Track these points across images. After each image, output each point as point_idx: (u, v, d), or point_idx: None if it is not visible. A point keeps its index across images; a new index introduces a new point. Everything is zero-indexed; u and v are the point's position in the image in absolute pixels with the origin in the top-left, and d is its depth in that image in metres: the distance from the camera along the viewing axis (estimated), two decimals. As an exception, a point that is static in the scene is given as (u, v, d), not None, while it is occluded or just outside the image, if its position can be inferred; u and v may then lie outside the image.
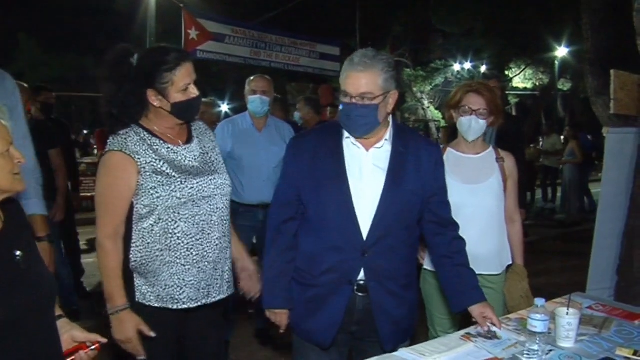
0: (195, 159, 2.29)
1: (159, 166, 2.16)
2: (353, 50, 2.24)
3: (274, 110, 4.54)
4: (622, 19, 4.12)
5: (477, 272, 2.36)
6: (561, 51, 19.26)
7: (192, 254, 2.21)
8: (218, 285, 2.31)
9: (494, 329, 2.19)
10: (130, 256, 2.18)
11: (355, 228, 2.15)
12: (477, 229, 2.71)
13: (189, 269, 2.20)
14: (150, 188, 2.14)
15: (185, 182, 2.19)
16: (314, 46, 11.27)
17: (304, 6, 15.27)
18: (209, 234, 2.25)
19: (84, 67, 18.19)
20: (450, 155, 2.91)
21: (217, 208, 2.29)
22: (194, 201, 2.20)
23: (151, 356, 2.19)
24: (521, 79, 21.52)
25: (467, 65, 21.10)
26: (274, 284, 2.30)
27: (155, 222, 2.16)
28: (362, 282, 2.20)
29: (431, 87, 21.99)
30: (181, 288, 2.20)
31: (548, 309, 2.03)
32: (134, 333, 2.13)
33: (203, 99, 2.42)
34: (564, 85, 22.91)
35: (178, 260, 2.19)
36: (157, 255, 2.17)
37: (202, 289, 2.25)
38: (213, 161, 2.37)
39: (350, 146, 2.22)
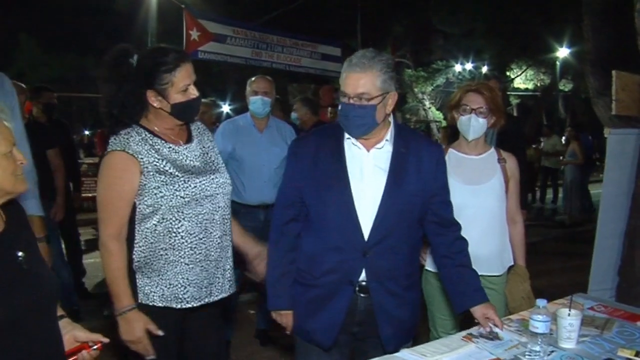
0: (196, 159, 2.29)
1: (162, 166, 2.16)
2: (354, 50, 2.24)
3: (274, 110, 4.54)
4: (623, 20, 4.11)
5: (478, 273, 2.36)
6: (562, 52, 19.27)
7: (195, 252, 2.21)
8: (220, 284, 2.32)
9: (495, 329, 2.19)
10: (133, 256, 2.18)
11: (356, 228, 2.15)
12: (478, 230, 2.71)
13: (192, 267, 2.21)
14: (154, 188, 2.14)
15: (188, 181, 2.19)
16: (315, 47, 11.26)
17: (305, 7, 15.28)
18: (211, 232, 2.26)
19: (84, 67, 18.20)
20: (452, 156, 2.91)
21: (218, 207, 2.30)
22: (197, 200, 2.20)
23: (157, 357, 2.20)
24: (522, 79, 21.55)
25: (468, 65, 21.11)
26: (278, 285, 2.31)
27: (158, 222, 2.16)
28: (363, 283, 2.20)
29: (432, 87, 22.00)
30: (185, 287, 2.20)
31: (549, 309, 2.03)
32: (143, 332, 2.13)
33: (202, 100, 2.42)
34: (565, 85, 22.93)
35: (182, 260, 2.19)
36: (161, 255, 2.18)
37: (205, 287, 2.26)
38: (213, 160, 2.38)
39: (351, 147, 2.22)
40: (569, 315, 2.05)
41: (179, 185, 2.17)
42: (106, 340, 1.76)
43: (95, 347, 1.74)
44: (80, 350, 1.72)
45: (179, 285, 2.20)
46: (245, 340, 4.46)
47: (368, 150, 2.21)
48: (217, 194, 2.29)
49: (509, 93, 21.28)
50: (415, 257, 2.37)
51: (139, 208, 2.16)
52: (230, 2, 16.35)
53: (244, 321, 4.80)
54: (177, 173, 2.18)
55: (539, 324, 1.95)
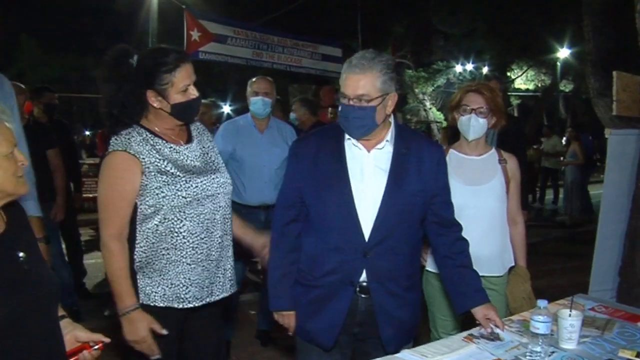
0: (196, 159, 2.30)
1: (163, 166, 2.16)
2: (355, 51, 2.24)
3: (274, 111, 4.54)
4: (623, 20, 4.12)
5: (479, 274, 2.36)
6: (563, 52, 19.26)
7: (197, 252, 2.21)
8: (221, 283, 2.32)
9: (496, 330, 2.19)
10: (134, 257, 2.18)
11: (356, 229, 2.15)
12: (479, 231, 2.71)
13: (194, 267, 2.21)
14: (156, 188, 2.14)
15: (189, 181, 2.19)
16: (316, 47, 11.26)
17: (306, 7, 15.28)
18: (212, 232, 2.26)
19: (84, 67, 18.20)
20: (453, 157, 2.91)
21: (219, 206, 2.30)
22: (198, 200, 2.20)
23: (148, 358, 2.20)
24: (523, 80, 21.54)
25: (469, 66, 21.10)
26: (280, 286, 2.31)
27: (160, 222, 2.16)
28: (364, 284, 2.20)
29: (433, 88, 21.99)
30: (187, 287, 2.20)
31: (550, 310, 2.03)
32: (147, 332, 2.13)
33: (202, 101, 2.42)
34: (566, 86, 22.91)
35: (184, 259, 2.19)
36: (162, 254, 2.18)
37: (206, 287, 2.26)
38: (213, 160, 2.38)
39: (352, 148, 2.22)
40: (569, 316, 2.05)
41: (181, 185, 2.17)
42: (107, 340, 1.77)
43: (96, 347, 1.74)
44: (82, 350, 1.73)
45: (181, 285, 2.20)
46: (246, 341, 4.46)
47: (368, 151, 2.21)
48: (218, 194, 2.30)
49: (509, 93, 21.29)
50: (416, 258, 2.37)
51: (140, 208, 2.16)
52: (231, 2, 16.35)
53: (245, 321, 4.80)
54: (178, 173, 2.18)
55: (539, 324, 1.95)
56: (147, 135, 2.19)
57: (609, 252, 3.80)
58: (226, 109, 19.89)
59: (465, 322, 2.66)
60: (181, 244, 2.18)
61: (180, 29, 9.31)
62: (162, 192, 2.14)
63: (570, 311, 2.06)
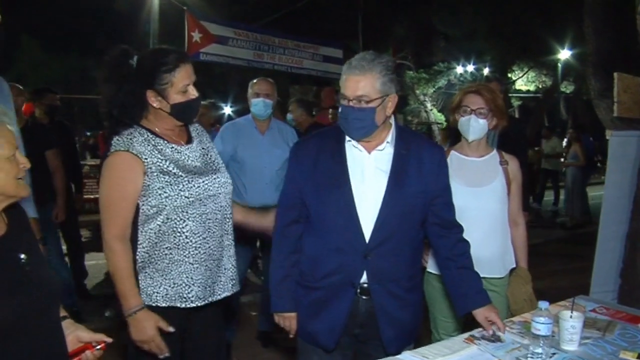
0: (197, 159, 2.30)
1: (165, 166, 2.16)
2: (356, 52, 2.25)
3: (275, 112, 4.54)
4: (624, 22, 4.11)
5: (480, 275, 2.36)
6: (564, 53, 19.28)
7: (199, 252, 2.22)
8: (223, 283, 2.32)
9: (498, 333, 2.19)
10: (136, 257, 2.18)
11: (357, 230, 2.15)
12: (480, 232, 2.70)
13: (197, 267, 2.21)
14: (158, 188, 2.14)
15: (192, 181, 2.20)
16: (317, 48, 11.28)
17: (307, 9, 15.30)
18: (214, 232, 2.27)
19: (85, 68, 18.23)
20: (454, 158, 2.91)
21: (221, 206, 2.31)
22: (201, 200, 2.21)
23: (155, 357, 2.19)
24: (524, 81, 21.54)
25: (470, 67, 21.11)
26: (281, 287, 2.31)
27: (163, 222, 2.16)
28: (364, 285, 2.20)
29: (434, 89, 22.00)
30: (189, 287, 2.20)
31: (552, 312, 2.03)
32: (155, 331, 2.13)
33: (201, 101, 2.43)
34: (567, 87, 22.91)
35: (186, 259, 2.19)
36: (165, 254, 2.18)
37: (208, 286, 2.26)
38: (214, 160, 2.39)
39: (352, 149, 2.22)
40: (571, 317, 2.05)
41: (183, 186, 2.17)
42: (109, 340, 1.77)
43: (98, 347, 1.75)
44: (84, 350, 1.73)
45: (184, 285, 2.20)
46: (246, 342, 4.46)
47: (369, 153, 2.21)
48: (219, 194, 2.30)
49: (510, 95, 21.28)
50: (417, 259, 2.37)
51: (142, 209, 2.16)
52: (232, 3, 16.37)
53: (246, 323, 4.80)
54: (180, 173, 2.19)
55: (541, 326, 1.95)
56: (148, 135, 2.19)
57: (610, 253, 3.80)
58: (227, 110, 19.91)
59: (466, 323, 2.66)
60: (184, 244, 2.18)
61: (181, 30, 9.33)
62: (164, 192, 2.14)
63: (572, 312, 2.06)
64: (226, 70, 17.86)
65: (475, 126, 2.81)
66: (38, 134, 4.58)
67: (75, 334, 1.75)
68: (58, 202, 4.78)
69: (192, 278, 2.21)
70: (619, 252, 3.77)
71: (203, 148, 2.37)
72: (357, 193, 2.16)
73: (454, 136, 3.43)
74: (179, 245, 2.18)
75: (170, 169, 2.17)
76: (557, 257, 7.75)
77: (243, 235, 3.80)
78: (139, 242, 2.18)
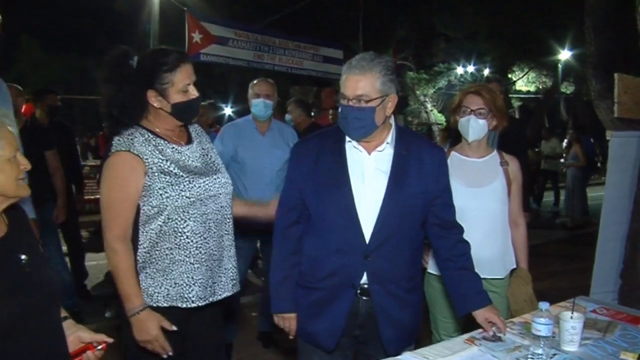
0: (197, 159, 2.30)
1: (166, 166, 2.16)
2: (356, 53, 2.25)
3: (275, 113, 4.54)
4: (625, 22, 4.11)
5: (480, 276, 2.35)
6: (564, 54, 19.28)
7: (200, 252, 2.22)
8: (223, 283, 2.32)
9: (499, 333, 2.19)
10: (137, 258, 2.18)
11: (357, 231, 2.15)
12: (480, 233, 2.70)
13: (197, 267, 2.21)
14: (159, 188, 2.14)
15: (193, 181, 2.20)
16: (317, 49, 11.28)
17: (307, 9, 15.30)
18: (214, 232, 2.27)
19: (85, 69, 18.24)
20: (454, 159, 2.91)
21: (221, 206, 2.31)
22: (201, 200, 2.21)
23: (157, 357, 2.20)
24: (524, 82, 21.54)
25: (470, 68, 21.11)
26: (281, 288, 2.31)
27: (164, 222, 2.16)
28: (365, 286, 2.20)
29: (434, 90, 22.01)
30: (190, 287, 2.20)
31: (552, 312, 2.03)
32: (158, 330, 2.13)
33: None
34: (567, 88, 22.92)
35: (187, 259, 2.19)
36: (166, 254, 2.18)
37: (209, 286, 2.26)
38: (214, 161, 2.39)
39: (353, 150, 2.22)
40: (571, 318, 2.05)
41: (184, 186, 2.17)
42: (110, 340, 1.78)
43: (99, 347, 1.76)
44: (85, 350, 1.74)
45: (185, 285, 2.20)
46: (247, 342, 4.46)
47: (369, 153, 2.21)
48: (220, 194, 2.31)
49: (510, 95, 21.29)
50: (417, 260, 2.36)
51: (143, 209, 2.16)
52: (232, 4, 16.37)
53: (246, 323, 4.80)
54: (181, 173, 2.19)
55: (541, 326, 1.95)
56: (149, 135, 2.19)
57: (611, 254, 3.80)
58: (227, 110, 19.91)
59: (466, 324, 2.66)
60: (185, 244, 2.18)
61: (182, 30, 9.33)
62: (165, 192, 2.15)
63: (572, 313, 2.06)
64: (226, 71, 17.89)
65: (474, 126, 2.81)
66: (37, 135, 4.58)
67: (76, 334, 1.76)
68: (58, 203, 4.78)
69: (192, 278, 2.21)
70: (620, 252, 3.77)
71: (203, 148, 2.37)
72: (357, 194, 2.16)
73: (454, 137, 3.43)
74: (179, 245, 2.18)
75: (171, 169, 2.17)
76: (557, 257, 7.76)
77: (246, 229, 3.82)
78: (139, 243, 2.18)
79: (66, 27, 18.90)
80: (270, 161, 4.05)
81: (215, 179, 2.30)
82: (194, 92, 2.23)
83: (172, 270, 2.19)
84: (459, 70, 21.33)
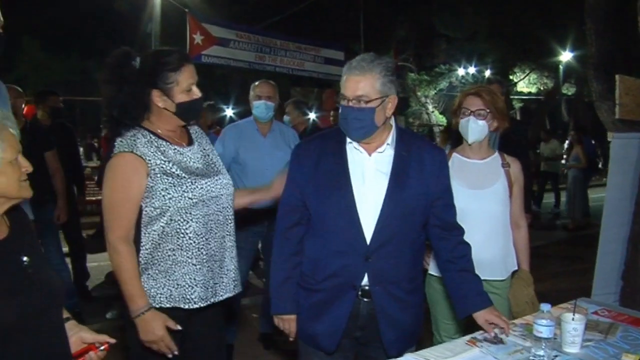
0: (198, 161, 2.31)
1: (168, 167, 2.17)
2: (357, 54, 2.26)
3: (277, 114, 4.55)
4: (626, 24, 4.11)
5: (481, 278, 2.35)
6: (565, 55, 19.25)
7: (202, 253, 2.22)
8: (224, 284, 2.33)
9: (500, 335, 2.19)
10: (140, 259, 2.18)
11: (358, 232, 2.15)
12: (481, 234, 2.70)
13: (199, 268, 2.22)
14: (162, 190, 2.14)
15: (195, 182, 2.21)
16: (319, 51, 11.29)
17: (309, 11, 15.31)
18: (215, 233, 2.27)
19: (87, 70, 18.26)
20: (456, 160, 2.91)
21: (223, 207, 2.32)
22: (204, 201, 2.22)
23: (160, 357, 2.20)
24: (525, 83, 21.53)
25: (472, 69, 21.09)
26: (282, 290, 2.31)
27: (167, 223, 2.17)
28: (366, 287, 2.20)
29: (435, 91, 21.98)
30: (192, 288, 2.21)
31: (553, 314, 2.03)
32: (164, 331, 2.13)
33: None
34: (569, 89, 22.89)
35: (189, 260, 2.20)
36: (168, 255, 2.18)
37: (210, 287, 2.26)
38: (215, 162, 2.40)
39: (353, 151, 2.22)
40: (573, 319, 2.05)
41: (187, 187, 2.18)
42: (113, 340, 1.78)
43: (102, 347, 1.76)
44: (88, 351, 1.74)
45: (187, 286, 2.20)
46: (248, 344, 4.46)
47: (369, 154, 2.21)
48: (222, 195, 2.31)
49: (511, 97, 21.28)
50: (418, 261, 2.36)
51: (146, 211, 2.17)
52: (233, 5, 16.38)
53: (247, 325, 4.80)
54: (183, 174, 2.19)
55: (543, 328, 1.95)
56: (151, 137, 2.20)
57: (612, 255, 3.80)
58: (229, 112, 19.90)
59: (467, 325, 2.66)
60: (187, 245, 2.19)
61: (183, 32, 9.34)
62: (168, 193, 2.15)
63: (574, 315, 2.06)
64: (227, 72, 17.87)
65: (474, 127, 2.81)
66: (37, 136, 4.59)
67: (78, 335, 1.76)
68: (59, 204, 4.79)
69: (194, 279, 2.21)
70: (621, 254, 3.76)
71: (204, 150, 2.38)
72: (357, 195, 2.16)
73: (454, 138, 3.43)
74: (182, 246, 2.18)
75: (174, 170, 2.17)
76: (558, 259, 7.76)
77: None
78: (141, 244, 2.18)
79: (67, 28, 18.90)
80: (272, 162, 4.05)
81: (216, 180, 2.31)
82: (197, 92, 2.24)
83: (175, 272, 2.19)
84: (460, 71, 21.30)
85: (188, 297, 2.20)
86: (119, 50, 2.23)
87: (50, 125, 5.30)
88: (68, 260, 5.39)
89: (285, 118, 5.98)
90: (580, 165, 10.18)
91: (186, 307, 2.21)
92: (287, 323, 2.34)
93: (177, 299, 2.20)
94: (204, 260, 2.23)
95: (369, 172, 2.20)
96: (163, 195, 2.14)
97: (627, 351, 2.04)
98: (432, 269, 2.89)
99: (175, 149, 2.23)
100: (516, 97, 22.70)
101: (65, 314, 1.76)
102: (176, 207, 2.15)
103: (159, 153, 2.17)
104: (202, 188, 2.22)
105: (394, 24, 19.77)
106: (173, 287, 2.19)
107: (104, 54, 2.31)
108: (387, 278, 2.19)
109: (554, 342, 2.02)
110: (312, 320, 2.27)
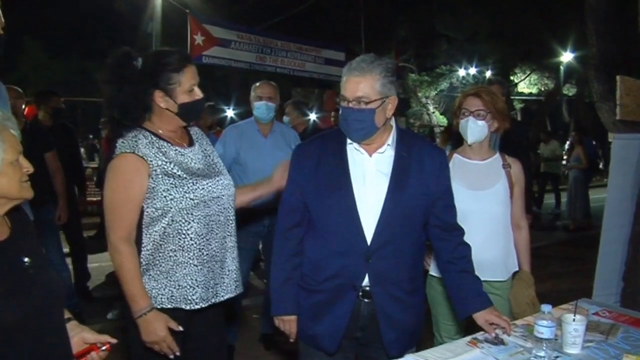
0: (199, 161, 2.31)
1: (170, 168, 2.17)
2: (358, 55, 2.26)
3: (277, 115, 4.55)
4: (627, 25, 4.11)
5: (482, 278, 2.35)
6: (566, 56, 19.27)
7: (203, 253, 2.22)
8: (225, 284, 2.33)
9: (501, 336, 2.19)
10: (141, 260, 2.18)
11: (359, 233, 2.15)
12: (482, 235, 2.70)
13: (200, 269, 2.22)
14: (163, 190, 2.14)
15: (196, 183, 2.21)
16: (319, 51, 11.31)
17: (309, 11, 15.32)
18: (217, 233, 2.27)
19: (87, 70, 18.25)
20: (457, 161, 2.91)
21: (224, 208, 2.32)
22: (205, 202, 2.22)
23: (162, 358, 2.20)
24: (526, 84, 21.55)
25: (472, 70, 21.10)
26: (282, 290, 2.31)
27: (168, 224, 2.17)
28: (366, 288, 2.19)
29: (436, 92, 22.01)
30: (194, 288, 2.21)
31: (554, 315, 2.03)
32: (166, 331, 2.13)
33: None
34: (569, 90, 22.90)
35: (191, 261, 2.20)
36: (169, 256, 2.18)
37: (211, 288, 2.26)
38: (216, 163, 2.40)
39: (354, 152, 2.22)
40: (573, 320, 2.05)
41: (188, 188, 2.18)
42: (114, 341, 1.78)
43: (103, 348, 1.76)
44: (89, 351, 1.75)
45: (188, 287, 2.20)
46: (249, 345, 4.46)
47: (370, 155, 2.21)
48: (223, 196, 2.31)
49: (512, 97, 21.29)
50: (419, 262, 2.36)
51: (147, 212, 2.17)
52: (234, 7, 16.39)
53: (248, 325, 4.80)
54: (185, 175, 2.19)
55: (544, 329, 1.95)
56: (152, 138, 2.20)
57: (613, 256, 3.79)
58: (229, 112, 19.91)
59: (468, 326, 2.66)
60: (188, 246, 2.19)
61: (184, 33, 9.35)
62: (170, 194, 2.15)
63: (574, 316, 2.06)
64: (228, 73, 17.88)
65: (473, 127, 2.81)
66: (37, 136, 4.59)
67: (80, 335, 1.76)
68: (59, 204, 4.80)
69: (196, 280, 2.21)
70: (622, 255, 3.76)
71: (204, 151, 2.38)
72: (358, 196, 2.16)
73: (455, 139, 3.43)
74: (183, 247, 2.18)
75: (175, 171, 2.18)
76: (558, 259, 7.76)
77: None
78: (143, 245, 2.18)
79: (68, 29, 18.89)
80: (273, 163, 4.00)
81: (217, 180, 2.31)
82: (199, 93, 2.25)
83: (176, 272, 2.19)
84: (461, 72, 21.32)
85: (189, 297, 2.20)
86: (119, 50, 2.23)
87: (51, 126, 5.31)
88: (69, 260, 5.41)
89: (285, 119, 5.98)
90: (581, 166, 10.18)
91: (187, 307, 2.21)
92: (288, 324, 2.33)
93: (179, 299, 2.20)
94: (205, 261, 2.23)
95: (370, 173, 2.20)
96: (164, 196, 2.15)
97: (628, 352, 2.03)
98: (433, 270, 2.89)
99: (176, 149, 2.24)
100: (517, 97, 22.72)
101: (67, 315, 1.77)
102: (177, 207, 2.16)
103: (161, 154, 2.17)
104: (203, 189, 2.22)
105: (395, 24, 19.78)
106: (174, 287, 2.19)
107: (104, 54, 2.30)
108: (387, 279, 2.19)
109: (555, 343, 2.02)
110: (312, 321, 2.27)
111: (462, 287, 2.29)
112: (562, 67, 20.19)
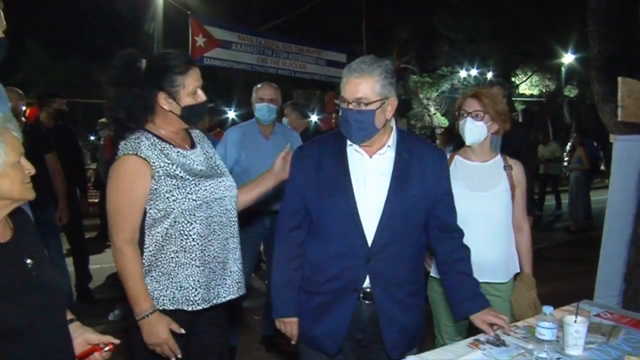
0: (201, 163, 2.32)
1: (172, 170, 2.17)
2: (359, 56, 2.26)
3: (279, 117, 4.54)
4: (628, 26, 4.11)
5: (483, 280, 2.36)
6: (567, 58, 19.27)
7: (205, 254, 2.22)
8: (227, 285, 2.32)
9: (503, 337, 2.19)
10: (143, 261, 2.18)
11: (360, 235, 2.16)
12: (483, 237, 2.70)
13: (202, 270, 2.21)
14: (166, 192, 2.15)
15: (199, 184, 2.21)
16: (321, 53, 11.32)
17: (311, 13, 15.32)
18: (219, 234, 2.27)
19: (88, 72, 18.27)
20: (458, 163, 2.91)
21: (226, 209, 2.31)
22: (207, 203, 2.22)
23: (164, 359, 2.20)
24: (527, 85, 21.54)
25: (474, 71, 21.10)
26: (283, 293, 2.31)
27: (170, 225, 2.17)
28: (367, 290, 2.20)
29: (437, 93, 22.02)
30: (195, 289, 2.21)
31: (556, 316, 2.02)
32: (168, 333, 2.13)
33: None
34: (571, 91, 22.89)
35: (193, 262, 2.20)
36: (171, 257, 2.18)
37: (212, 289, 2.26)
38: (217, 164, 2.40)
39: (354, 153, 2.23)
40: (575, 322, 2.05)
41: (191, 189, 2.18)
42: (117, 341, 1.79)
43: (106, 348, 1.77)
44: (92, 352, 1.75)
45: (190, 288, 2.20)
46: (250, 346, 4.46)
47: (370, 157, 2.22)
48: (225, 197, 2.31)
49: (514, 99, 21.29)
50: (420, 264, 2.37)
51: (150, 213, 2.17)
52: (236, 8, 16.40)
53: (250, 327, 4.80)
54: (187, 177, 2.19)
55: (545, 330, 1.95)
56: (154, 139, 2.20)
57: (615, 258, 3.79)
58: (231, 114, 19.92)
59: (470, 327, 2.66)
60: (191, 247, 2.19)
61: (185, 34, 9.35)
62: (172, 195, 2.15)
63: (576, 317, 2.06)
64: (230, 75, 17.89)
65: (471, 128, 2.81)
66: (37, 138, 4.60)
67: (83, 336, 1.77)
68: (60, 205, 4.80)
69: (198, 281, 2.21)
70: (623, 256, 3.75)
71: (206, 152, 2.39)
72: (359, 197, 2.17)
73: (456, 141, 3.43)
74: (185, 248, 2.18)
75: (177, 172, 2.18)
76: (560, 261, 7.75)
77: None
78: (145, 246, 2.19)
79: (69, 31, 18.93)
80: (274, 165, 4.05)
81: (220, 181, 2.31)
82: (202, 96, 2.25)
83: (178, 274, 2.19)
84: (462, 73, 21.33)
85: (191, 299, 2.20)
86: (124, 51, 2.24)
87: (53, 128, 5.31)
88: (71, 262, 5.41)
89: (284, 120, 5.98)
90: (583, 168, 10.18)
91: (189, 309, 2.21)
92: (289, 326, 2.34)
93: (180, 301, 2.20)
94: (207, 262, 2.23)
95: (370, 175, 2.20)
96: (167, 198, 2.15)
97: (629, 354, 2.03)
98: (434, 272, 2.89)
99: (178, 151, 2.24)
100: (518, 99, 22.72)
101: (70, 316, 1.77)
102: (180, 209, 2.16)
103: (163, 155, 2.17)
104: (205, 190, 2.22)
105: (396, 26, 19.79)
106: (176, 289, 2.19)
107: (105, 56, 2.31)
108: (388, 280, 2.19)
109: (557, 345, 2.02)
110: (313, 323, 2.27)
111: (460, 289, 2.30)
112: (563, 69, 20.19)
